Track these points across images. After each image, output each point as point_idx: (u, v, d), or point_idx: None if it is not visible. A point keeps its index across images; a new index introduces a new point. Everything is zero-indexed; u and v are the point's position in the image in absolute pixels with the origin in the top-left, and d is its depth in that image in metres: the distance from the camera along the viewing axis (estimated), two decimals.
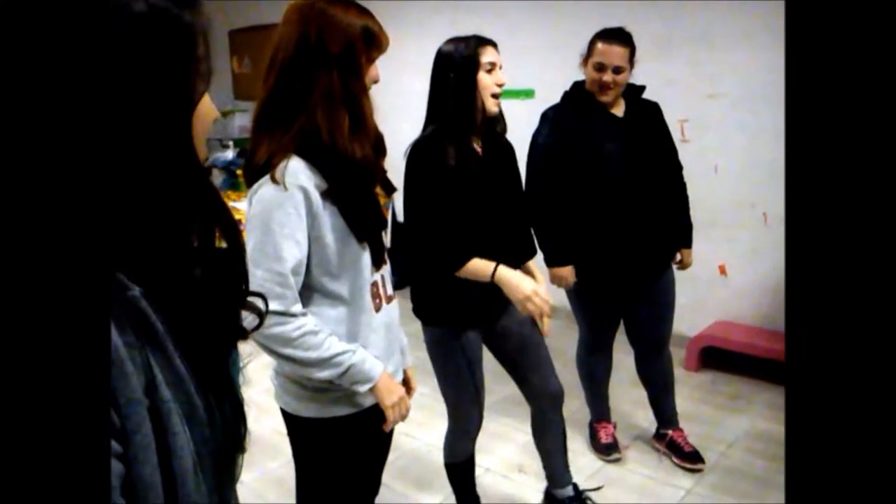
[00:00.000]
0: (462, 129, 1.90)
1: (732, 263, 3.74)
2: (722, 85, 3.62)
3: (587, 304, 2.74)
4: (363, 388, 1.44)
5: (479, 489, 2.42)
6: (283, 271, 1.34)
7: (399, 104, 3.47)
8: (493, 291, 1.92)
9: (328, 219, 1.39)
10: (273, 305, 1.34)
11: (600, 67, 2.43)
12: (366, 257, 1.47)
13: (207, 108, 0.70)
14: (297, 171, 1.34)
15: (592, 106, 2.49)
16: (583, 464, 2.84)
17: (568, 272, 2.58)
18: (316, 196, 1.36)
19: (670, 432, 2.87)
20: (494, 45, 1.93)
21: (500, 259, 1.92)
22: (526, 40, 4.15)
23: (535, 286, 1.85)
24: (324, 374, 1.39)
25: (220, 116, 0.75)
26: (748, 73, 3.53)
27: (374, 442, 1.59)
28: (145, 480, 0.59)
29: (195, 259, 0.67)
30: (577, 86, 2.55)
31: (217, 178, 5.30)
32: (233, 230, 0.71)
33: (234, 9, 6.13)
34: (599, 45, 2.45)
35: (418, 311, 2.07)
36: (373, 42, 1.39)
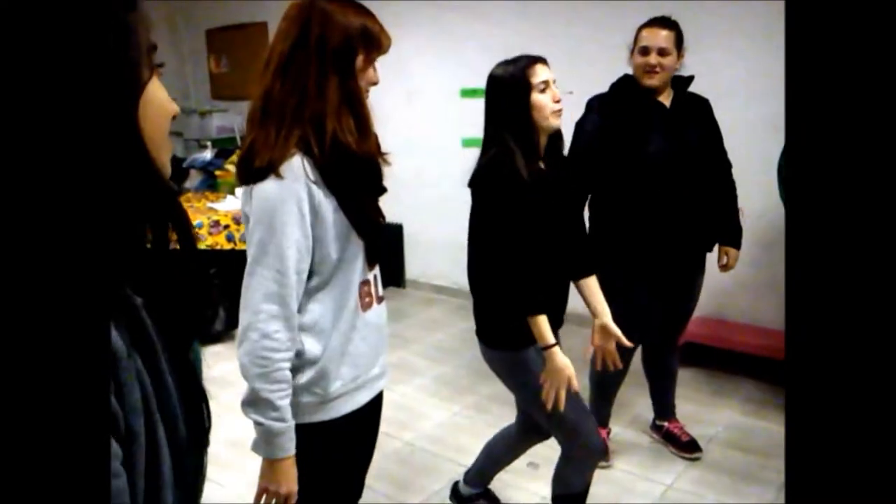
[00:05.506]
0: (525, 151, 1.86)
1: (711, 260, 3.77)
2: (701, 83, 3.63)
3: (617, 311, 2.69)
4: (260, 454, 1.38)
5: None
6: (284, 270, 1.32)
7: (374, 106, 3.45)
8: (555, 310, 1.95)
9: (329, 215, 1.37)
10: (270, 307, 1.31)
11: (645, 51, 2.45)
12: (360, 256, 1.45)
13: (159, 99, 0.65)
14: (300, 166, 1.32)
15: (639, 95, 2.49)
16: None
17: None
18: (318, 192, 1.34)
19: (667, 424, 2.94)
20: (545, 61, 1.90)
21: (564, 274, 1.98)
22: (511, 40, 4.14)
23: (572, 371, 1.85)
24: (250, 410, 1.35)
25: (178, 112, 0.69)
26: (727, 71, 3.55)
27: (355, 447, 1.57)
28: (138, 488, 0.59)
29: (160, 263, 0.64)
30: (625, 77, 2.56)
31: (195, 178, 5.24)
32: (187, 232, 0.67)
33: (212, 8, 6.07)
34: (644, 32, 2.49)
35: (486, 333, 2.00)
36: (371, 42, 1.38)
